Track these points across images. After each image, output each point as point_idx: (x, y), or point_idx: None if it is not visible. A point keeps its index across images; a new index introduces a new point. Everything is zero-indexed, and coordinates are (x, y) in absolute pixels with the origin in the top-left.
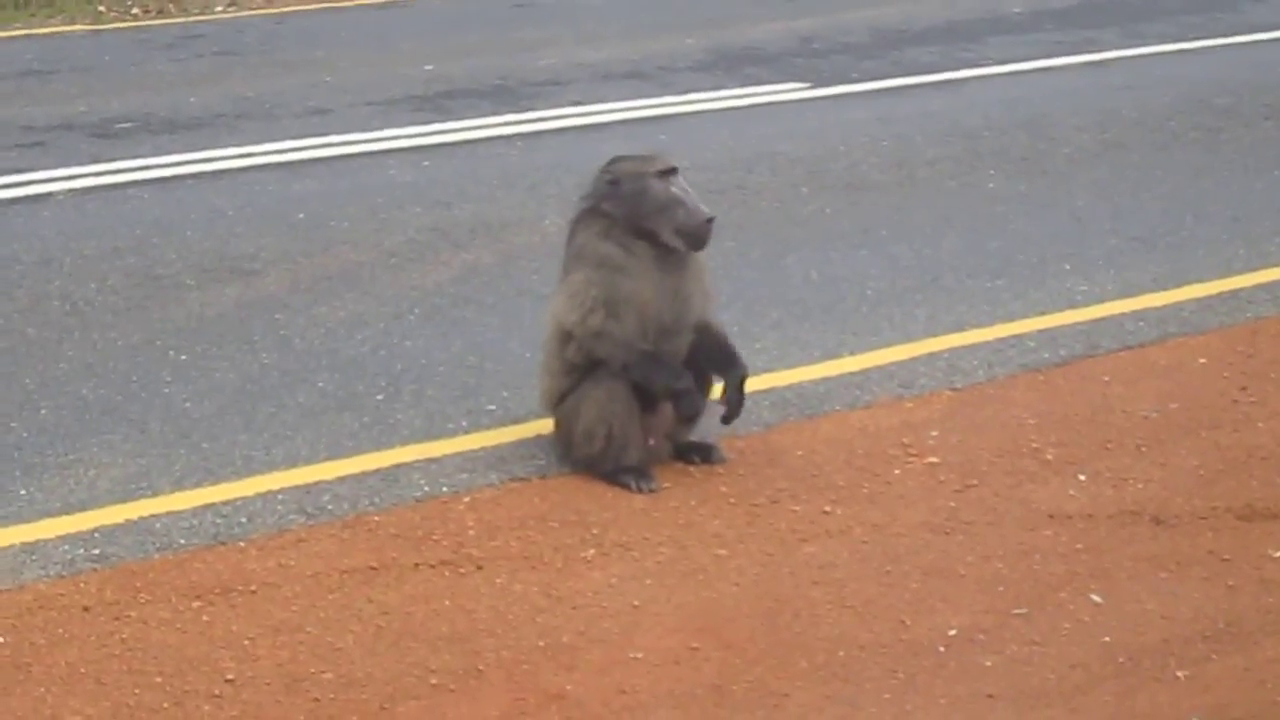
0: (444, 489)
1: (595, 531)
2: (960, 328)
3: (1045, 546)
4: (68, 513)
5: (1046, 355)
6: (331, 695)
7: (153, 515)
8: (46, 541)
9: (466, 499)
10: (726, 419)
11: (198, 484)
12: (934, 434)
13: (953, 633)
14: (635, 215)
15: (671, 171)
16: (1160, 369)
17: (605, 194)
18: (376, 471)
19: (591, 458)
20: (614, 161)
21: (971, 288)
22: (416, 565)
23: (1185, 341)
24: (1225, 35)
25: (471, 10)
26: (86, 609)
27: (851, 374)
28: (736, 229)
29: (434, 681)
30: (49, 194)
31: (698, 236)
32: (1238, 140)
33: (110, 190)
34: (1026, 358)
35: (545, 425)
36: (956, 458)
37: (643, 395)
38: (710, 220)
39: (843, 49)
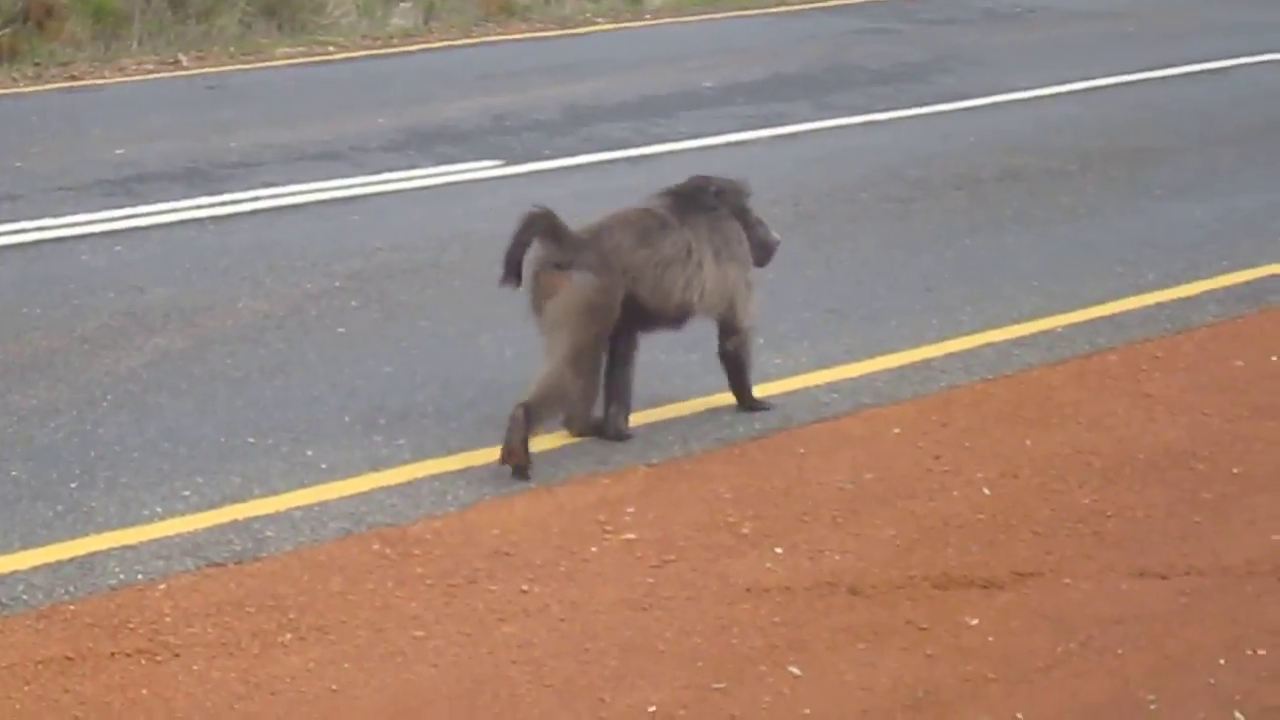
0: (140, 576)
1: (292, 616)
2: (656, 403)
3: (744, 620)
4: None
5: (741, 429)
6: None
7: None
8: None
9: (162, 586)
10: None
11: None
12: (630, 510)
13: (652, 709)
14: None
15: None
16: (855, 440)
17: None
18: (71, 560)
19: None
20: (703, 177)
21: (666, 363)
22: (113, 654)
23: (879, 412)
24: (914, 106)
25: (162, 93)
26: None
27: (547, 451)
28: (431, 308)
29: None
30: None
31: (769, 254)
32: (928, 211)
33: None
34: (722, 432)
35: (242, 510)
36: (653, 533)
37: None
38: (779, 242)
39: (535, 126)
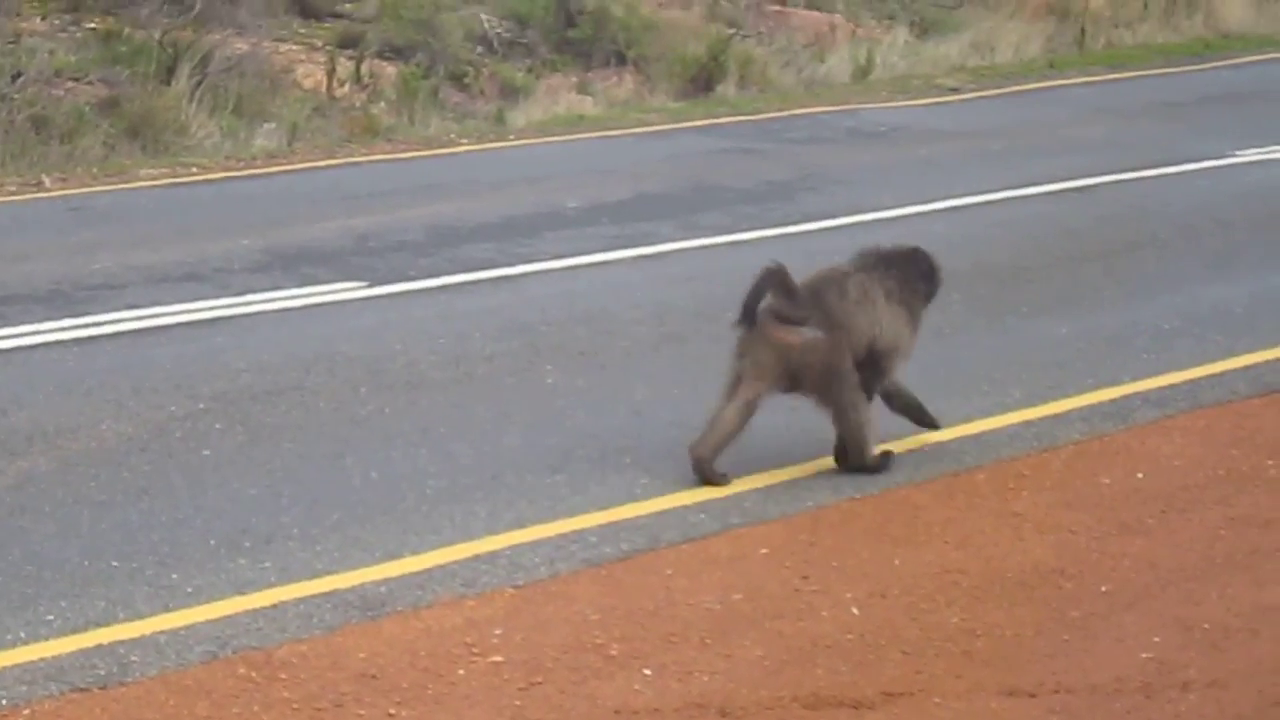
0: (3, 702)
1: None
2: (521, 525)
3: None
4: None
5: (609, 550)
6: None
7: None
8: None
9: (26, 711)
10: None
11: None
12: (498, 632)
13: None
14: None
15: None
16: (723, 560)
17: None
18: None
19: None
20: (927, 254)
21: (532, 484)
22: None
23: (747, 532)
24: (780, 225)
25: (25, 215)
26: None
27: (414, 574)
28: (296, 430)
29: None
30: None
31: None
32: None
33: None
34: (589, 553)
35: (106, 634)
36: (521, 655)
37: None
38: None
39: (399, 247)
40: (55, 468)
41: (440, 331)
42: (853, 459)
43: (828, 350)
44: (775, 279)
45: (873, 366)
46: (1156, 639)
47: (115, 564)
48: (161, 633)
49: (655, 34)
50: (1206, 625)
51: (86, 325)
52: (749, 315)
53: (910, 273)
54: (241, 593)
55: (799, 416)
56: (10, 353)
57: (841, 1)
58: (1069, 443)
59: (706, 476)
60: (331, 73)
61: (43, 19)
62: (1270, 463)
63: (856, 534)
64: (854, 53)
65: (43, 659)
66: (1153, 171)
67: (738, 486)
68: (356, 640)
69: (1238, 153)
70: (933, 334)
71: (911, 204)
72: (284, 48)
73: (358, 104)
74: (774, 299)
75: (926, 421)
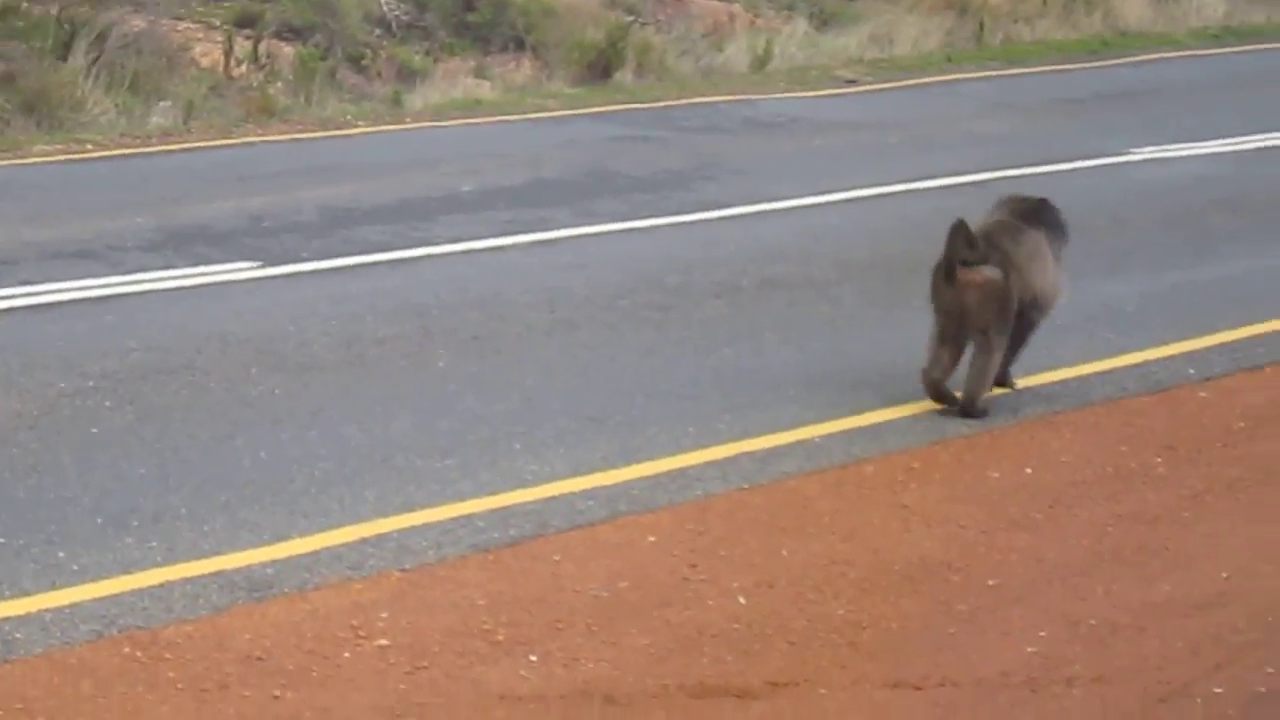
0: None
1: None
2: (410, 508)
3: None
4: None
5: (497, 535)
6: None
7: None
8: None
9: None
10: None
11: None
12: (384, 615)
13: None
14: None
15: None
16: (610, 547)
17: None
18: None
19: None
20: (1049, 201)
21: (421, 468)
22: None
23: (635, 519)
24: (676, 213)
25: None
26: None
27: (301, 556)
28: (185, 410)
29: None
30: None
31: None
32: (688, 318)
33: None
34: (477, 538)
35: None
36: (407, 639)
37: None
38: None
39: (293, 227)
40: None
41: (333, 313)
42: (971, 394)
43: (1004, 289)
44: (962, 232)
45: (1036, 313)
46: (1043, 634)
47: (1, 541)
48: (47, 610)
49: (554, 19)
50: (1093, 621)
51: None
52: (951, 269)
53: (1057, 227)
54: (128, 572)
55: (693, 405)
56: None
57: None
58: (958, 436)
59: (944, 397)
60: (229, 52)
61: None
62: (1158, 460)
63: (745, 524)
64: (752, 43)
65: None
66: (1049, 168)
67: (626, 474)
68: (242, 622)
69: (1134, 151)
70: (825, 324)
71: (807, 195)
72: (181, 26)
73: (254, 84)
74: (957, 248)
75: (1008, 365)
